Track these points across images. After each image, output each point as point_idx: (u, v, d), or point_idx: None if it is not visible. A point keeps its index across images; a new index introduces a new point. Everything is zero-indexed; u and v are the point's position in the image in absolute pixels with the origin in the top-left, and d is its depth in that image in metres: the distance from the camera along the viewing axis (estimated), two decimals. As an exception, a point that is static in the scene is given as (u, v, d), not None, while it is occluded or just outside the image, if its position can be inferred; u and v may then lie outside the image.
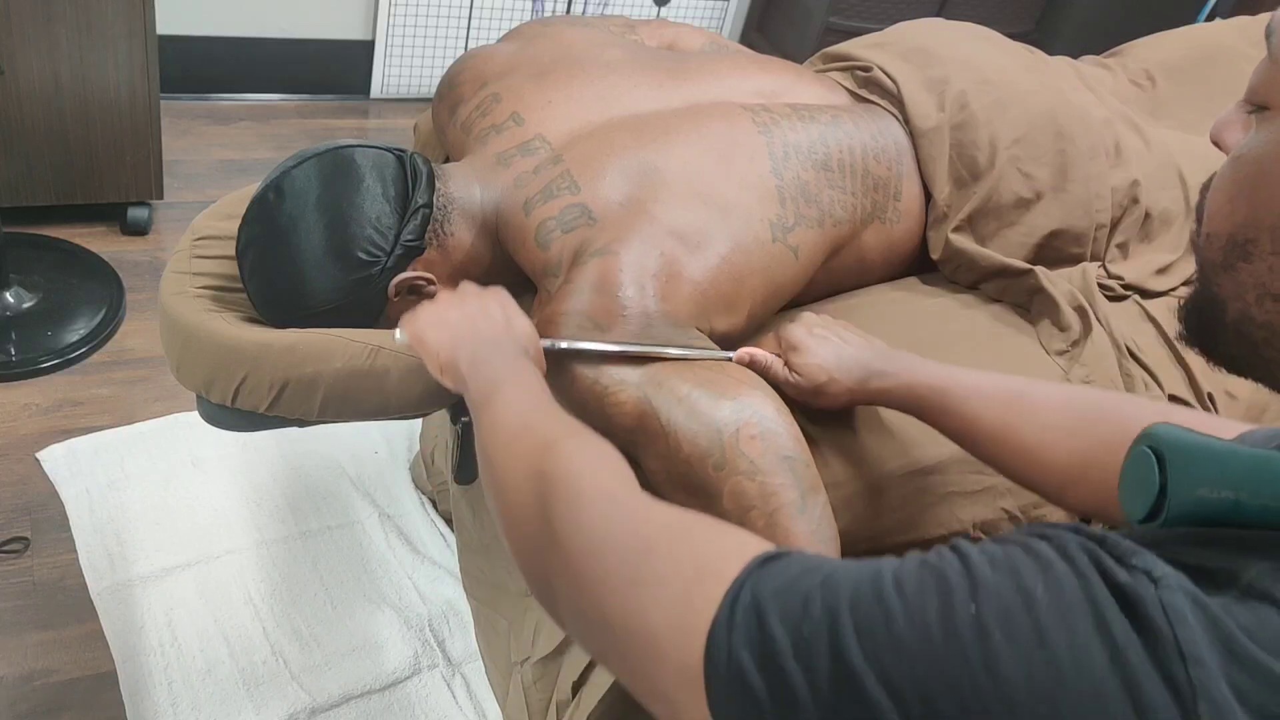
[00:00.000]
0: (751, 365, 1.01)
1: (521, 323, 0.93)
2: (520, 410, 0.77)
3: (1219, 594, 0.42)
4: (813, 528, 0.90)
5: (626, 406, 0.94)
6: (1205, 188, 0.54)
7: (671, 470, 0.93)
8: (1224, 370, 0.54)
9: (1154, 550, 0.46)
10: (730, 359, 1.00)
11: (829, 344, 1.00)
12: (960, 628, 0.44)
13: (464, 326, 0.91)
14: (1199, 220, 0.54)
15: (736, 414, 0.92)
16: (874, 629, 0.45)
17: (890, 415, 1.07)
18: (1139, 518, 0.51)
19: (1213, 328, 0.53)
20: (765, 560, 0.52)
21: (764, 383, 0.98)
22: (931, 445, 1.05)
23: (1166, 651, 0.41)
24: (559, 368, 0.97)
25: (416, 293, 1.11)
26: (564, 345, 0.96)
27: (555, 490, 0.65)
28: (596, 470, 0.66)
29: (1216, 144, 0.55)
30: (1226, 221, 0.51)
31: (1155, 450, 0.51)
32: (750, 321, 1.09)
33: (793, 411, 0.97)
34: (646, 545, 0.57)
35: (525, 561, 0.68)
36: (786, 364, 1.01)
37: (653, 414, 0.93)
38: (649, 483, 0.95)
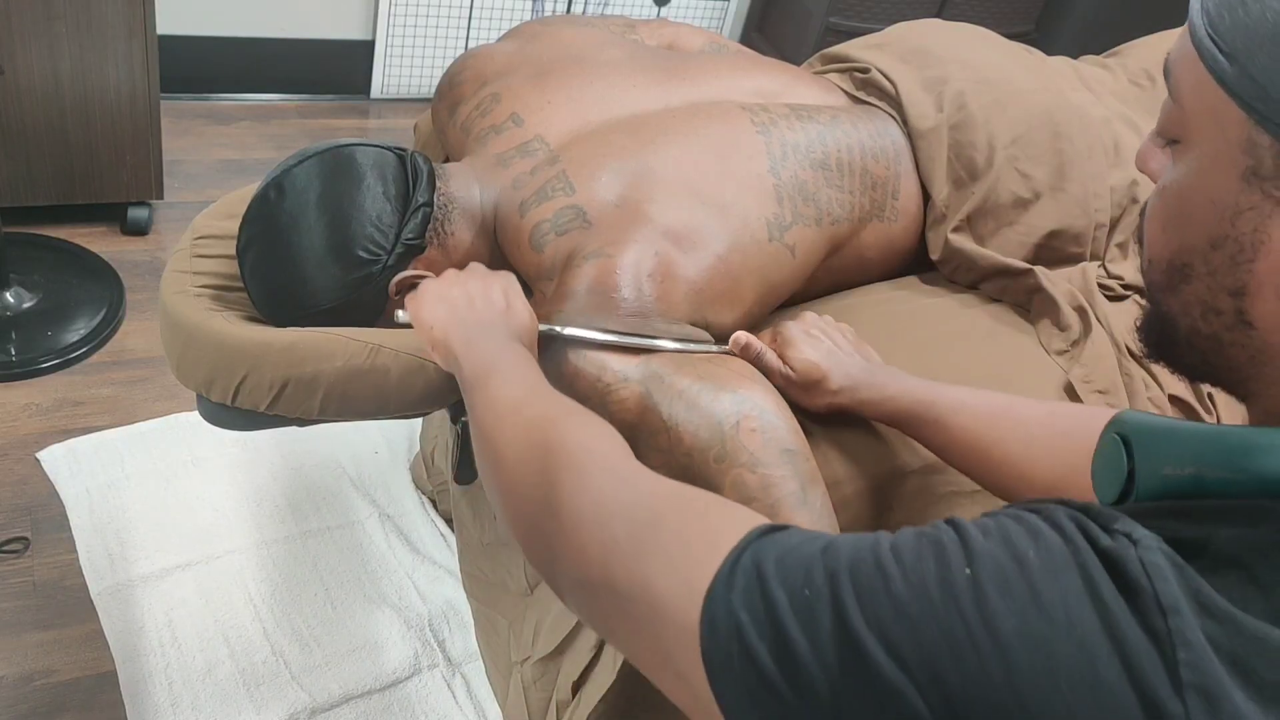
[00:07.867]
0: (745, 351, 1.01)
1: (521, 307, 0.94)
2: (517, 389, 0.79)
3: (1192, 560, 0.45)
4: (814, 518, 0.91)
5: (629, 402, 0.95)
6: (1142, 214, 0.58)
7: (672, 464, 0.93)
8: (1187, 380, 0.56)
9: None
10: (725, 350, 1.00)
11: (824, 345, 1.02)
12: (957, 589, 0.46)
13: (463, 305, 0.93)
14: (1141, 245, 0.58)
15: (736, 407, 0.93)
16: (874, 592, 0.47)
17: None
18: (1110, 500, 0.54)
19: (1169, 343, 0.57)
20: (766, 530, 0.55)
21: (762, 377, 0.99)
22: (931, 444, 1.05)
23: (1147, 605, 0.44)
24: (560, 361, 0.98)
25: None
26: (561, 331, 0.96)
27: (560, 461, 0.68)
28: (600, 444, 0.69)
29: (1143, 171, 0.59)
30: (1164, 248, 0.55)
31: (1122, 435, 0.54)
32: (746, 320, 1.09)
33: (792, 409, 0.97)
34: (653, 516, 0.60)
35: (524, 532, 0.70)
36: (780, 356, 1.01)
37: (654, 408, 0.94)
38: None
